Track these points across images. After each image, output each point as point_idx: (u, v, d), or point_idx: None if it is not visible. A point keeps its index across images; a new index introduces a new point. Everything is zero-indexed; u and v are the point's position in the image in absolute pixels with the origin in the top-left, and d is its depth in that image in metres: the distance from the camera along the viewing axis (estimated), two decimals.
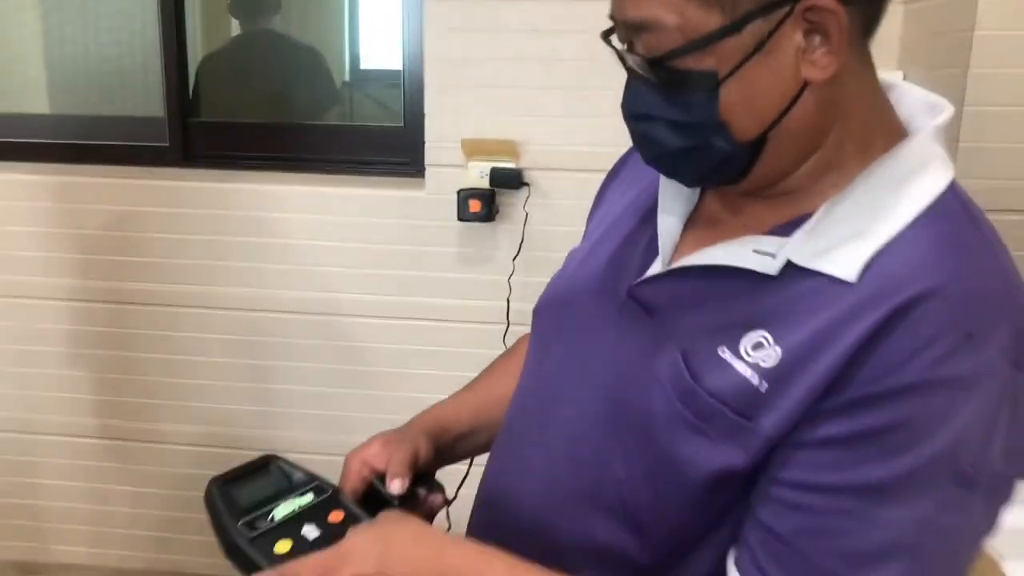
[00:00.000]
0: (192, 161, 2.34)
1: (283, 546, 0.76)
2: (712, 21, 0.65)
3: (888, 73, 0.72)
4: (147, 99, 2.43)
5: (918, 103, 0.74)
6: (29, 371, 2.50)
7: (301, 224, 2.34)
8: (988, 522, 0.67)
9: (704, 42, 0.65)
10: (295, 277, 2.36)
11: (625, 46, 0.72)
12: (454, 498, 0.95)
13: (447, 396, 1.02)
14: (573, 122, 2.15)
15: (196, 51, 2.42)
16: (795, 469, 0.65)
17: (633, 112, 0.73)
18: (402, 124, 2.30)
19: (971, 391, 0.61)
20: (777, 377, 0.66)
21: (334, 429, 2.39)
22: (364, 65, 2.69)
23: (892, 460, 0.61)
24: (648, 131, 0.72)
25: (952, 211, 0.68)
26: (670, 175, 0.77)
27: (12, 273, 2.43)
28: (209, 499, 0.82)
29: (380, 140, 2.34)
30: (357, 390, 2.40)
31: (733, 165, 0.70)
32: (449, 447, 0.96)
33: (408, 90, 2.27)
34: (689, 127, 0.69)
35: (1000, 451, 0.63)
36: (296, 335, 2.40)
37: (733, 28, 0.64)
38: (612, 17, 0.72)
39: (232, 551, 0.77)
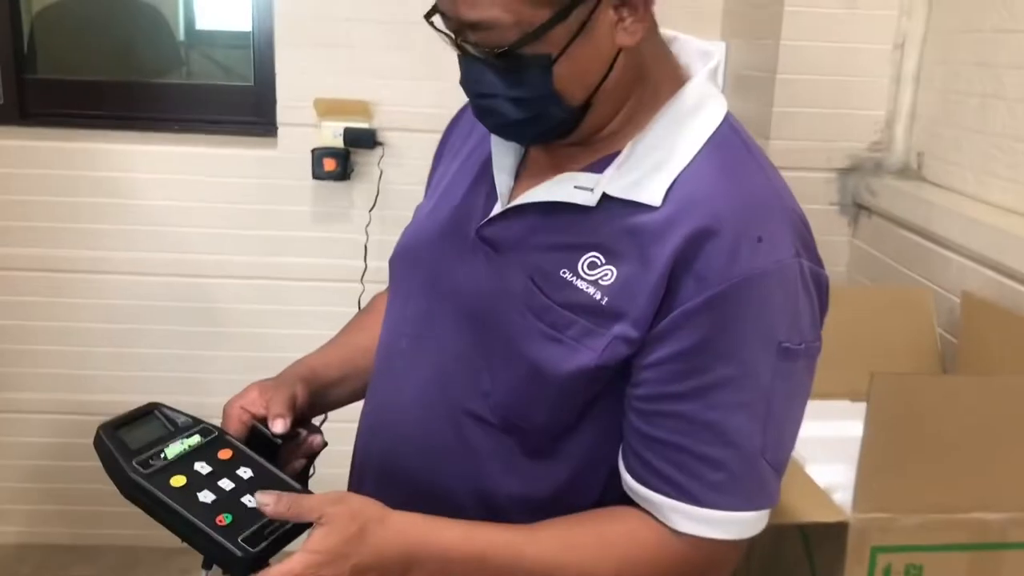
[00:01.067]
0: (29, 119, 2.27)
1: (179, 480, 0.81)
2: (543, 14, 0.76)
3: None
4: None
5: (694, 51, 0.89)
6: None
7: (152, 184, 2.30)
8: (810, 380, 0.84)
9: (539, 33, 0.76)
10: (148, 238, 2.33)
11: (454, 34, 0.82)
12: (326, 444, 1.00)
13: (306, 354, 1.08)
14: (424, 84, 2.21)
15: (30, 4, 2.32)
16: (648, 386, 0.80)
17: (476, 92, 0.84)
18: (252, 83, 2.30)
19: (771, 281, 0.76)
20: (615, 291, 0.80)
21: (193, 391, 2.35)
22: (200, 25, 2.62)
23: (727, 356, 0.77)
24: (491, 106, 0.83)
25: (728, 140, 0.83)
26: (510, 139, 0.90)
27: None
28: (99, 443, 0.85)
29: (230, 99, 2.33)
30: (215, 351, 2.41)
31: (565, 126, 0.83)
32: (322, 394, 1.03)
33: (258, 48, 2.27)
34: (528, 101, 0.81)
35: (808, 323, 0.80)
36: (151, 297, 2.38)
37: (561, 16, 0.76)
38: (440, 11, 0.82)
39: (130, 487, 0.81)
